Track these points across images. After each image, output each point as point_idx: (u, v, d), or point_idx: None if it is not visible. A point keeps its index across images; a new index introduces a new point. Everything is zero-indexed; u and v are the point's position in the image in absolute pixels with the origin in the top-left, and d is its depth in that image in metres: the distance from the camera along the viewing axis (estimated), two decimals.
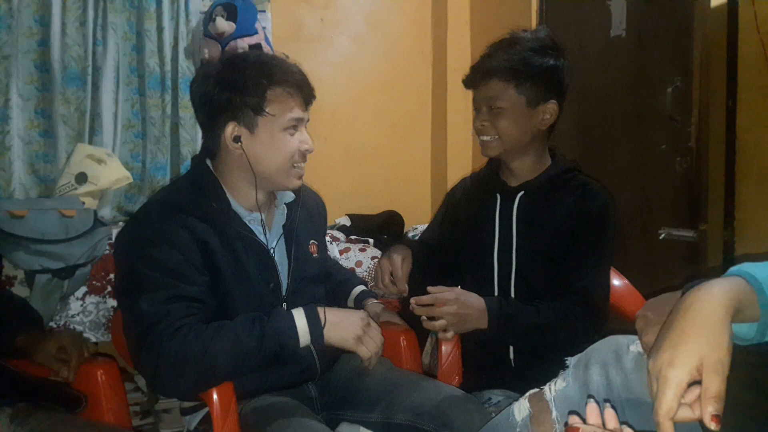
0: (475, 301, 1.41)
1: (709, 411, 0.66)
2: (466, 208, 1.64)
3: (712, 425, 0.66)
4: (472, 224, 1.60)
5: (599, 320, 1.45)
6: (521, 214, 1.53)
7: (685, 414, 0.69)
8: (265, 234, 1.38)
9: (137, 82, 2.58)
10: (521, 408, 1.11)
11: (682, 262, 1.96)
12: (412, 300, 1.40)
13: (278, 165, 1.32)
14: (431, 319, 1.39)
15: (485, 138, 1.51)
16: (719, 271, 0.84)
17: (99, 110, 2.47)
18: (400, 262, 1.55)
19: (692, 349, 0.69)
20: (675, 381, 0.68)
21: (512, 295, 1.52)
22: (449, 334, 1.40)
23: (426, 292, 1.39)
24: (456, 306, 1.37)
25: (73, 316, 1.99)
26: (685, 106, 1.92)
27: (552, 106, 1.49)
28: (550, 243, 1.49)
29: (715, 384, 0.67)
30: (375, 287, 1.61)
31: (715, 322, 0.70)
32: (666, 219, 1.99)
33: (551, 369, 1.14)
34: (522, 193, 1.54)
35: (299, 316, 1.25)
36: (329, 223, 2.09)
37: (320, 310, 1.26)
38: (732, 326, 0.72)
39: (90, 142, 2.46)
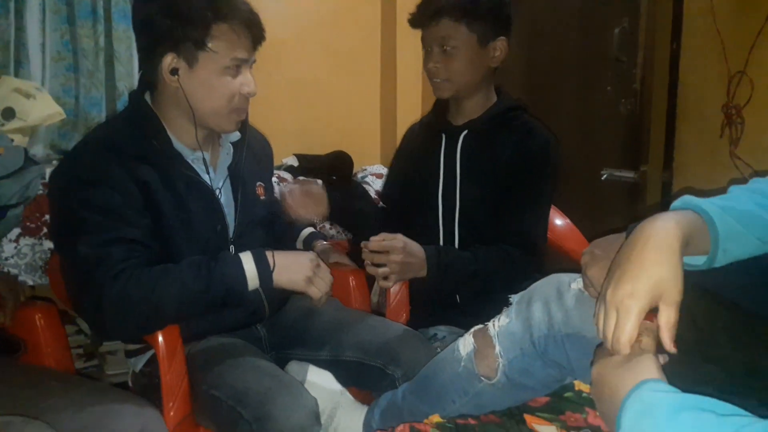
0: (417, 250, 1.42)
1: (667, 338, 0.72)
2: (414, 152, 1.65)
3: (673, 350, 0.72)
4: (417, 165, 1.61)
5: (536, 259, 1.50)
6: (465, 154, 1.54)
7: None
8: (209, 174, 1.34)
9: (66, 11, 2.38)
10: (466, 343, 1.15)
11: (622, 202, 2.03)
12: (362, 244, 1.41)
13: (215, 106, 1.26)
14: (376, 265, 1.40)
15: (438, 80, 1.49)
16: (657, 210, 0.86)
17: (24, 40, 2.28)
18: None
19: (652, 281, 0.72)
20: (635, 312, 0.72)
21: (456, 234, 1.55)
22: (390, 282, 1.41)
23: None
24: (402, 255, 1.38)
25: (6, 259, 1.90)
26: (631, 47, 1.94)
27: (502, 42, 1.49)
28: (492, 182, 1.51)
29: (672, 314, 0.72)
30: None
31: (671, 254, 0.73)
32: (608, 160, 2.04)
33: (495, 306, 1.17)
34: (465, 132, 1.54)
35: (247, 259, 1.23)
36: (276, 163, 2.05)
37: (269, 253, 1.25)
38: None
39: (16, 75, 2.29)
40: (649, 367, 0.70)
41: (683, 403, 0.63)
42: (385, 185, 1.81)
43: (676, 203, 0.83)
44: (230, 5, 1.22)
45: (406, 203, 1.64)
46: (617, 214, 2.05)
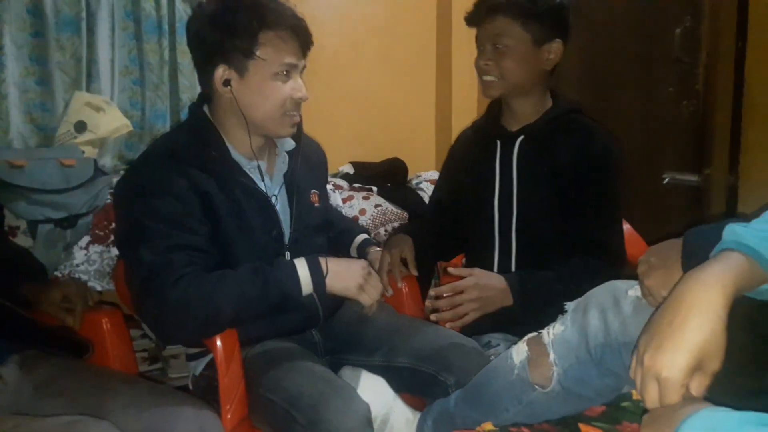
0: (495, 281, 1.38)
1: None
2: (467, 158, 1.63)
3: None
4: (472, 173, 1.59)
5: (620, 268, 1.44)
6: (522, 160, 1.51)
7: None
8: (265, 182, 1.37)
9: (133, 27, 2.51)
10: (519, 351, 1.13)
11: (685, 206, 1.95)
12: (431, 291, 1.39)
13: (268, 112, 1.29)
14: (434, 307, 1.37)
15: (488, 78, 1.48)
16: (721, 217, 0.83)
17: (95, 57, 2.42)
18: (397, 256, 1.50)
19: (693, 353, 0.69)
20: (676, 385, 0.69)
21: (513, 244, 1.52)
22: (469, 320, 1.37)
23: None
24: (476, 291, 1.35)
25: (77, 266, 2.00)
26: (693, 47, 1.87)
27: (557, 45, 1.46)
28: (551, 189, 1.48)
29: (705, 382, 0.70)
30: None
31: (714, 321, 0.70)
32: (671, 163, 1.97)
33: (550, 313, 1.14)
34: (522, 137, 1.51)
35: (301, 265, 1.25)
36: (332, 171, 2.08)
37: (322, 260, 1.27)
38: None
39: (87, 90, 2.42)
40: (705, 402, 0.68)
41: (745, 419, 0.61)
42: (436, 191, 1.79)
43: (726, 236, 0.79)
44: (275, 13, 1.26)
45: (461, 212, 1.63)
46: (680, 218, 1.97)
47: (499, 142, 1.54)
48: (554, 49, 1.46)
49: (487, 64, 1.46)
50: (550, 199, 1.48)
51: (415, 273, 1.51)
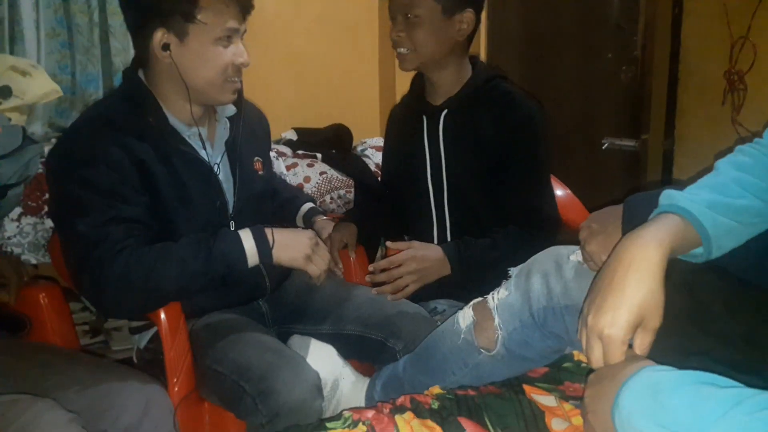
0: (432, 252, 1.42)
1: None
2: (399, 135, 1.65)
3: None
4: (404, 149, 1.61)
5: (555, 232, 1.48)
6: (447, 134, 1.52)
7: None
8: (206, 150, 1.33)
9: None
10: (465, 316, 1.15)
11: (623, 171, 2.02)
12: (370, 267, 1.42)
13: (209, 78, 1.25)
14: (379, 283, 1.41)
15: (401, 50, 1.47)
16: (660, 184, 0.85)
17: (17, 17, 2.26)
18: (338, 240, 1.51)
19: (633, 310, 0.72)
20: (619, 342, 0.72)
21: (447, 216, 1.54)
22: (410, 291, 1.42)
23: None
24: (414, 264, 1.39)
25: (9, 238, 1.91)
26: (632, 13, 1.91)
27: (469, 15, 1.45)
28: (479, 160, 1.50)
29: (647, 339, 0.73)
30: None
31: (652, 281, 0.73)
32: (609, 129, 2.02)
33: (494, 279, 1.17)
34: (446, 111, 1.52)
35: (246, 237, 1.23)
36: (275, 137, 2.04)
37: (268, 230, 1.25)
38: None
39: (11, 53, 2.27)
40: (647, 360, 0.71)
41: (684, 378, 0.64)
42: (383, 170, 1.81)
43: (662, 200, 0.82)
44: None
45: (399, 188, 1.64)
46: (618, 183, 2.04)
47: (425, 118, 1.55)
48: (466, 18, 1.45)
49: (399, 36, 1.46)
50: (479, 171, 1.50)
51: (353, 257, 1.56)
